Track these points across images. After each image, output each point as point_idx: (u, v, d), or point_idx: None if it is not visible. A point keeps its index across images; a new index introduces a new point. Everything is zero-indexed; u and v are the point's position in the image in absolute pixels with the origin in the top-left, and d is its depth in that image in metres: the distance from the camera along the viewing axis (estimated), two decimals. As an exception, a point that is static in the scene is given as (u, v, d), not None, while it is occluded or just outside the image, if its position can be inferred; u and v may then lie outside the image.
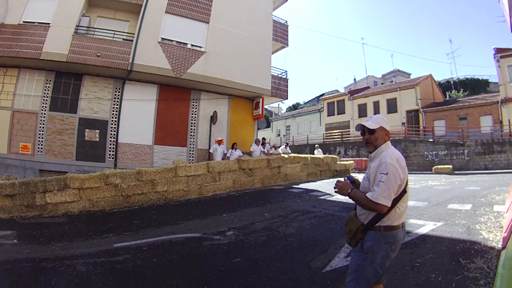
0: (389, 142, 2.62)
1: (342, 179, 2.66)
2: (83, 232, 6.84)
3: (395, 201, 2.39)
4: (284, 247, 5.40)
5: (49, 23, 13.63)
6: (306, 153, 27.95)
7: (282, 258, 4.88)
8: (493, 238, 5.01)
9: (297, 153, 17.02)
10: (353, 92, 37.44)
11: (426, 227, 5.92)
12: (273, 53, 19.18)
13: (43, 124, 13.93)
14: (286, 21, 19.60)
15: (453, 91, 37.31)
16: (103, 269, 4.65)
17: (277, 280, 4.08)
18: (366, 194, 2.41)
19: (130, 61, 13.97)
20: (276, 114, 54.32)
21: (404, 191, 2.44)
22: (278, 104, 56.15)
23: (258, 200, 10.00)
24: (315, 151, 18.82)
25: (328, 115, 38.30)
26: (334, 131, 33.35)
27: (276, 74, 18.38)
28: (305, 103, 60.51)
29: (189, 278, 4.31)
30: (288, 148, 17.81)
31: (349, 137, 31.46)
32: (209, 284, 4.04)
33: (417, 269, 4.07)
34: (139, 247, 5.56)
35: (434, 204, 7.98)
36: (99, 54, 13.59)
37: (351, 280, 2.59)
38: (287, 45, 19.72)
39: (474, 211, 6.98)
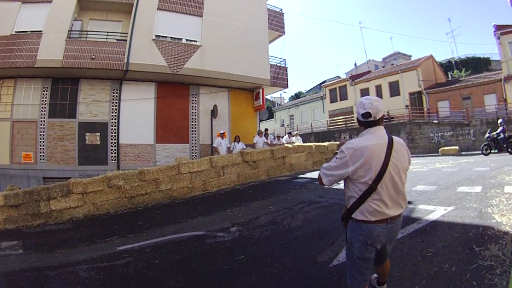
0: (367, 129, 2.48)
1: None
2: (87, 237, 6.87)
3: (363, 197, 2.31)
4: (289, 241, 5.24)
5: (41, 31, 13.53)
6: (311, 142, 27.97)
7: (287, 253, 4.71)
8: (507, 221, 4.80)
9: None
10: (354, 77, 37.03)
11: (436, 212, 5.71)
12: (270, 42, 18.85)
13: (43, 131, 13.89)
14: (281, 9, 19.27)
15: (455, 71, 36.78)
16: (105, 274, 4.62)
17: (281, 277, 3.92)
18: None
19: (125, 61, 13.79)
20: (279, 104, 53.93)
21: (370, 187, 2.29)
22: (281, 94, 55.91)
23: (263, 193, 9.85)
24: (294, 138, 17.17)
25: (331, 102, 37.97)
26: (338, 118, 33.04)
27: (274, 63, 18.13)
28: (307, 92, 60.09)
29: (191, 279, 4.19)
30: (298, 137, 17.44)
31: (353, 122, 31.16)
32: (211, 284, 3.93)
33: (429, 259, 3.87)
34: (142, 249, 5.54)
35: (443, 188, 7.75)
36: (93, 57, 13.44)
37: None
38: (284, 33, 19.40)
39: (484, 193, 6.74)
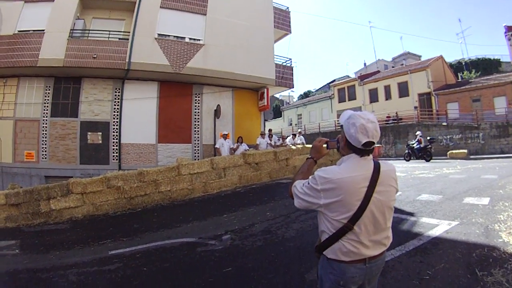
0: (352, 156, 1.98)
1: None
2: (82, 238, 6.90)
3: (337, 236, 1.91)
4: (280, 254, 5.01)
5: (43, 30, 13.47)
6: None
7: (276, 267, 4.48)
8: (514, 241, 4.46)
9: (309, 143, 16.39)
10: (363, 77, 36.61)
11: (439, 227, 5.36)
12: (276, 41, 18.52)
13: (46, 130, 13.85)
14: (288, 7, 18.88)
15: (465, 72, 36.18)
16: (93, 279, 4.64)
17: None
18: (299, 180, 2.10)
19: (127, 60, 13.62)
20: (287, 103, 53.64)
21: (345, 226, 1.88)
22: (289, 93, 55.66)
23: (262, 197, 9.67)
24: (296, 139, 16.63)
25: (339, 102, 37.58)
26: (346, 118, 32.54)
27: (280, 63, 17.73)
28: (316, 91, 59.76)
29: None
30: (301, 137, 17.04)
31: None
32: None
33: (426, 283, 3.58)
34: (133, 254, 5.52)
35: (449, 198, 7.39)
36: (95, 56, 13.33)
37: None
38: (290, 32, 18.98)
39: (492, 206, 6.37)
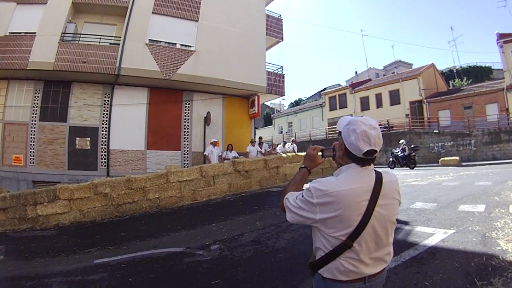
0: (352, 165, 1.77)
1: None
2: (68, 246, 6.75)
3: (334, 254, 1.69)
4: (270, 265, 4.77)
5: (35, 33, 13.29)
6: (309, 150, 27.44)
7: (266, 280, 4.25)
8: (513, 249, 4.29)
9: (299, 151, 16.27)
10: (354, 85, 36.74)
11: (435, 236, 5.18)
12: (267, 48, 18.50)
13: (34, 134, 13.62)
14: (280, 15, 18.89)
15: (456, 80, 36.57)
16: None
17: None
18: (292, 192, 1.90)
19: (117, 65, 13.47)
20: (278, 111, 53.63)
21: (344, 244, 1.67)
22: (280, 101, 55.67)
23: (252, 206, 9.42)
24: (289, 145, 16.80)
25: (330, 110, 37.64)
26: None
27: (271, 70, 17.67)
28: (307, 99, 59.91)
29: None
30: (294, 145, 16.87)
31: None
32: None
33: (424, 296, 3.37)
34: (118, 264, 5.34)
35: (444, 206, 7.22)
36: (85, 60, 13.16)
37: None
38: (282, 40, 18.95)
39: (488, 213, 6.20)
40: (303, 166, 2.04)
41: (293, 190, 1.92)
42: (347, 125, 1.76)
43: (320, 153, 2.01)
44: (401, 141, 20.07)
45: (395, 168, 18.86)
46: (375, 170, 1.78)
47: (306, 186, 1.84)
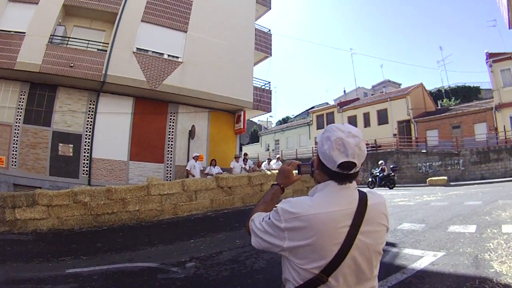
0: (331, 183, 1.42)
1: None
2: (43, 252, 6.67)
3: None
4: (247, 286, 4.46)
5: (24, 32, 12.97)
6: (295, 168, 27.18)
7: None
8: (507, 271, 4.01)
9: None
10: (342, 104, 36.83)
11: (424, 259, 4.84)
12: (255, 63, 18.41)
13: (17, 137, 13.19)
14: (270, 30, 18.87)
15: (445, 100, 36.94)
16: None
17: None
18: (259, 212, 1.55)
19: (103, 72, 13.18)
20: (265, 128, 53.49)
21: (317, 279, 1.32)
22: (267, 118, 55.62)
23: (233, 223, 9.20)
24: (273, 162, 16.10)
25: (318, 128, 37.43)
26: (324, 145, 32.38)
27: (259, 86, 17.53)
28: (295, 117, 60.03)
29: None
30: (279, 162, 16.42)
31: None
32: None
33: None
34: (90, 276, 5.20)
35: (433, 227, 6.90)
36: (72, 65, 12.84)
37: None
38: (271, 55, 18.90)
39: (480, 233, 5.90)
40: (275, 183, 1.69)
41: (262, 210, 1.57)
42: (323, 133, 1.45)
43: (295, 171, 1.66)
44: (380, 162, 20.27)
45: (374, 189, 18.71)
46: (358, 190, 1.44)
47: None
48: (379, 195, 1.50)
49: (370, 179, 20.06)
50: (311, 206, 1.35)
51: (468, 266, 4.37)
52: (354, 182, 1.42)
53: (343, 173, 1.37)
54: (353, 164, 1.34)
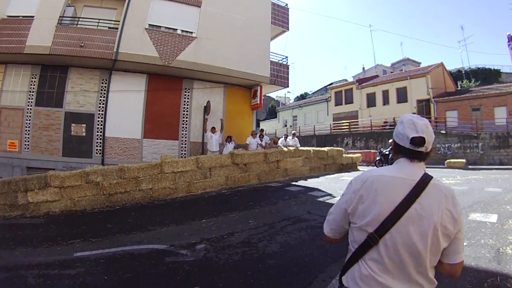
0: (402, 159, 1.61)
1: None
2: (53, 236, 6.58)
3: (359, 252, 1.49)
4: (258, 273, 4.32)
5: (33, 16, 12.91)
6: (313, 145, 26.99)
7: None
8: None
9: (303, 145, 15.73)
10: (361, 81, 36.00)
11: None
12: (272, 38, 17.93)
13: (29, 120, 13.38)
14: (287, 4, 18.24)
15: (465, 81, 35.79)
16: (50, 284, 4.29)
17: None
18: None
19: (115, 50, 13.02)
20: (283, 104, 53.01)
21: (369, 238, 1.45)
22: (285, 94, 55.03)
23: (247, 202, 9.00)
24: (290, 139, 16.24)
25: (336, 105, 37.01)
26: (342, 122, 32.04)
27: (276, 61, 17.10)
28: (313, 93, 59.18)
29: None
30: (295, 139, 16.31)
31: (357, 127, 30.25)
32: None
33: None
34: (97, 259, 5.09)
35: (453, 212, 6.69)
36: (82, 44, 12.74)
37: None
38: (288, 29, 18.34)
39: (501, 224, 5.68)
40: None
41: None
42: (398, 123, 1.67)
43: None
44: (390, 140, 19.30)
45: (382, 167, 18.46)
46: (425, 172, 1.55)
47: None
48: (449, 186, 1.57)
49: (378, 158, 19.40)
50: (377, 170, 1.61)
51: (490, 260, 4.20)
52: (422, 163, 1.57)
53: (414, 150, 1.54)
54: (423, 140, 1.51)
